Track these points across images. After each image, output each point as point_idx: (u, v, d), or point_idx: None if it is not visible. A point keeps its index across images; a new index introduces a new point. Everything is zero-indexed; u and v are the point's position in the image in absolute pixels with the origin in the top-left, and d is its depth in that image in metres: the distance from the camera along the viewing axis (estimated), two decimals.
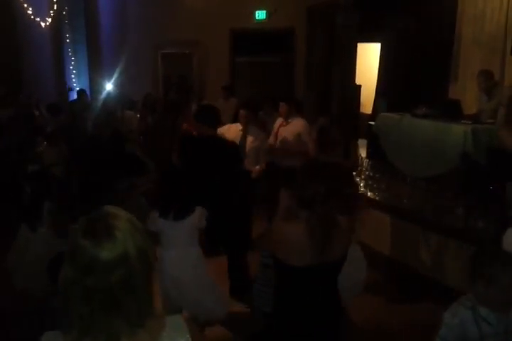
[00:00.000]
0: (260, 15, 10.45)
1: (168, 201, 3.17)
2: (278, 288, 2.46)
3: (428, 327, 2.18)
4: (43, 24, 9.44)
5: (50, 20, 9.48)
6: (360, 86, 9.56)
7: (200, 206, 3.27)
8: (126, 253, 1.19)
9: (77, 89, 9.52)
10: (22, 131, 6.25)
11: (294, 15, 10.27)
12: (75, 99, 8.59)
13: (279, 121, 5.83)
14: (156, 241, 3.30)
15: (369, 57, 9.73)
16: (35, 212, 3.42)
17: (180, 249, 3.22)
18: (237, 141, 4.94)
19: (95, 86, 9.54)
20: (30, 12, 9.23)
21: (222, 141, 4.17)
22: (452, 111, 5.68)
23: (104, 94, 8.51)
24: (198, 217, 3.22)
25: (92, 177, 4.28)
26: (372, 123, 6.72)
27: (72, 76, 9.91)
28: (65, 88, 9.83)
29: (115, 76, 9.31)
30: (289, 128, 5.66)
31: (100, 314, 1.18)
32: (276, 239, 2.37)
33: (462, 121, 5.40)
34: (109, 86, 9.28)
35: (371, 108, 9.27)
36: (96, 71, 9.76)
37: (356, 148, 4.74)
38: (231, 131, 5.22)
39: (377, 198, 5.41)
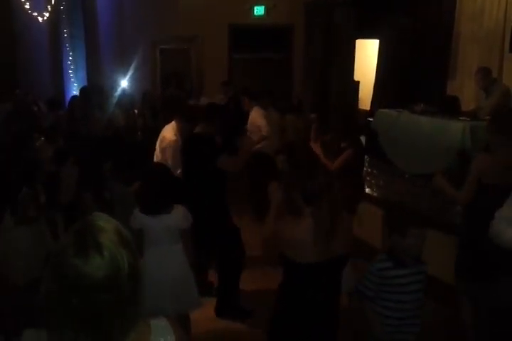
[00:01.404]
0: (259, 10, 10.41)
1: (146, 196, 3.19)
2: (285, 285, 2.49)
3: (428, 326, 2.19)
4: (40, 19, 9.36)
5: (47, 14, 9.40)
6: (358, 82, 9.56)
7: (181, 204, 3.22)
8: (117, 270, 1.11)
9: (75, 85, 9.49)
10: (19, 127, 6.21)
11: (292, 11, 10.25)
12: (76, 95, 8.46)
13: None
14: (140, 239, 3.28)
15: (367, 53, 9.71)
16: (15, 198, 3.44)
17: (162, 247, 3.16)
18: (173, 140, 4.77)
19: (93, 81, 9.49)
20: (27, 6, 9.15)
21: (200, 138, 3.99)
22: (450, 108, 5.70)
23: (119, 92, 8.35)
24: (179, 215, 3.17)
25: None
26: (371, 119, 6.73)
27: (70, 71, 9.86)
28: (62, 83, 9.77)
29: (114, 71, 9.26)
30: None
31: (85, 336, 1.10)
32: (283, 238, 2.39)
33: (460, 118, 5.41)
34: (124, 83, 9.16)
35: (369, 104, 9.26)
36: (94, 66, 9.71)
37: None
38: (167, 129, 4.97)
39: (375, 194, 5.43)
